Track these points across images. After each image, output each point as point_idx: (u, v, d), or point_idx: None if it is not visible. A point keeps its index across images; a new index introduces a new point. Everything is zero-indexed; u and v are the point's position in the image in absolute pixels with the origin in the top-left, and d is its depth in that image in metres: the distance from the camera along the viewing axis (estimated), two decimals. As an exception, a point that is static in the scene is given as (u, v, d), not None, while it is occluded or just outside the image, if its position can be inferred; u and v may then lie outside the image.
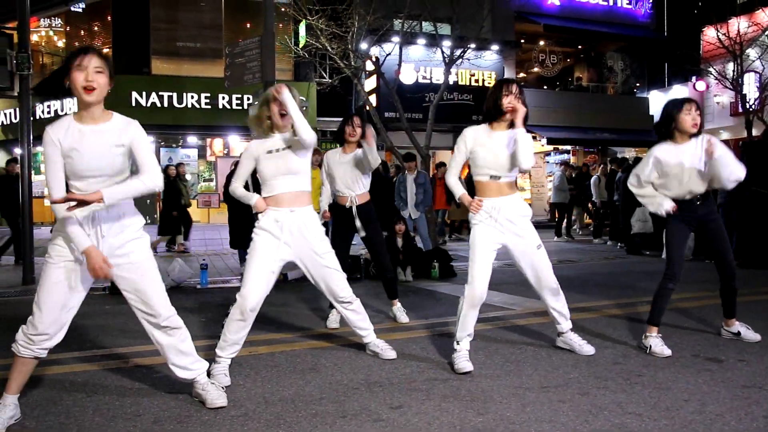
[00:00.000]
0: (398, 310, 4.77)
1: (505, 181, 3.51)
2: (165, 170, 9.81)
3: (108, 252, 2.67)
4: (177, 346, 2.85)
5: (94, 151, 2.60)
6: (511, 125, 3.48)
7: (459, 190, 3.64)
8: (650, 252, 9.44)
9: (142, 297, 2.77)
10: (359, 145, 4.46)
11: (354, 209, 4.53)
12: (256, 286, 3.26)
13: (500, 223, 3.48)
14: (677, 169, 3.76)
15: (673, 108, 3.79)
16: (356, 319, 3.67)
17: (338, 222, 4.69)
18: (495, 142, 3.49)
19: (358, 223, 4.54)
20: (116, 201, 2.59)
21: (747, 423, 2.63)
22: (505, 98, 3.47)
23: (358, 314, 3.67)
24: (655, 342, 3.75)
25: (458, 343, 3.48)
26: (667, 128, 3.81)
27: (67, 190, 2.62)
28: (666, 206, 3.79)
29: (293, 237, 3.35)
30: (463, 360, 3.40)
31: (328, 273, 3.48)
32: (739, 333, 4.06)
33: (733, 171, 3.75)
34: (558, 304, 3.72)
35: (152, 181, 2.67)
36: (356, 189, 4.54)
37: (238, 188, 3.54)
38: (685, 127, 3.74)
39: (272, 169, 3.37)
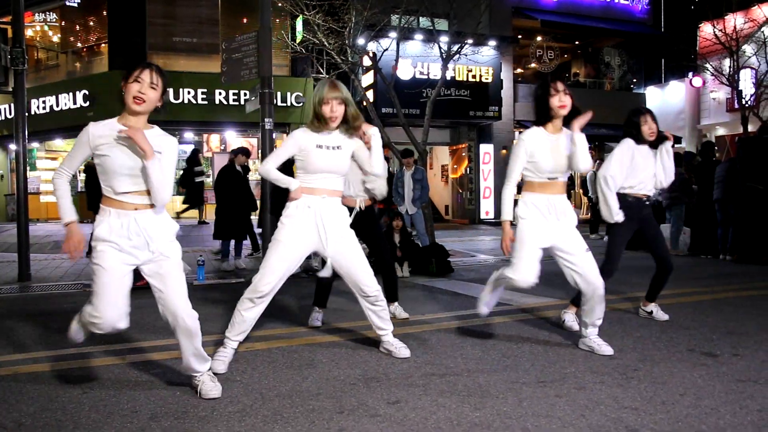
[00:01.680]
0: (396, 308, 4.72)
1: (561, 180, 3.59)
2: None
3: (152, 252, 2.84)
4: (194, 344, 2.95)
5: (130, 152, 2.77)
6: (565, 124, 3.51)
7: (507, 213, 3.57)
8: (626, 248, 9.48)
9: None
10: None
11: (356, 213, 4.28)
12: (271, 276, 3.31)
13: (554, 218, 3.53)
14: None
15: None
16: (377, 319, 3.62)
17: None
18: (554, 145, 3.49)
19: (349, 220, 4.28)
20: (157, 171, 2.76)
21: (742, 416, 2.64)
22: (554, 98, 3.45)
23: (379, 315, 3.61)
24: (569, 317, 4.28)
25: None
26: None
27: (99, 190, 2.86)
28: (619, 217, 4.20)
29: (324, 223, 3.35)
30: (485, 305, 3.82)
31: (355, 266, 3.46)
32: (652, 312, 4.59)
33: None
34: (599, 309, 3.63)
35: (161, 197, 2.83)
36: (363, 192, 4.41)
37: (272, 170, 3.40)
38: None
39: (320, 164, 3.35)
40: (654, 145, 4.34)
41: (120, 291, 2.81)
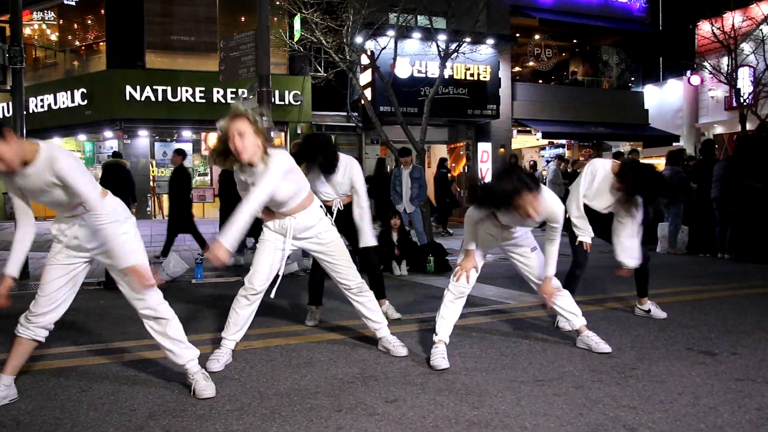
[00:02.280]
0: (388, 308, 4.64)
1: None
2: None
3: None
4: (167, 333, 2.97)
5: None
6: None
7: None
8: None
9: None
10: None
11: (335, 214, 4.37)
12: (263, 273, 3.42)
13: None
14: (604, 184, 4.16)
15: None
16: (367, 311, 3.68)
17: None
18: None
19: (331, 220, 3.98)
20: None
21: (740, 415, 2.65)
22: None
23: (367, 306, 3.68)
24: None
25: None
26: None
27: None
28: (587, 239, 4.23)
29: (293, 233, 3.44)
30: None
31: (333, 263, 3.57)
32: (649, 310, 4.59)
33: None
34: None
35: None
36: (340, 191, 4.45)
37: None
38: None
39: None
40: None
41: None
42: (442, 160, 13.42)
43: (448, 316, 3.63)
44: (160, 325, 2.95)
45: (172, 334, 2.96)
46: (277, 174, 3.09)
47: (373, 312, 3.70)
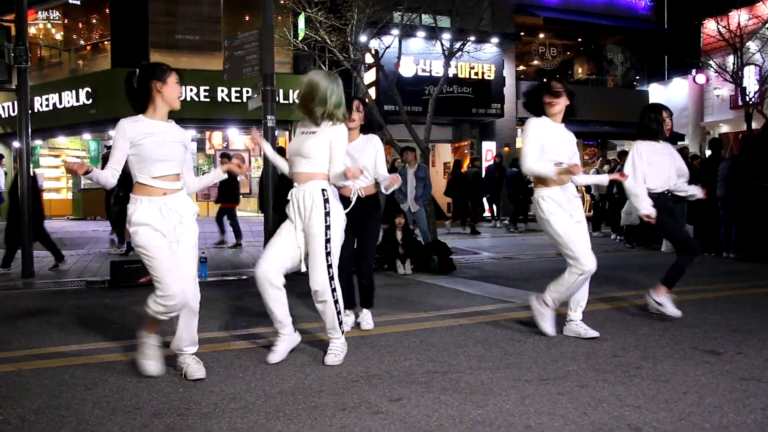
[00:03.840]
0: (365, 315, 4.31)
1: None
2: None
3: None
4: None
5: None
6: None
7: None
8: (637, 245, 9.57)
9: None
10: (363, 131, 4.21)
11: (354, 200, 4.00)
12: (269, 258, 3.44)
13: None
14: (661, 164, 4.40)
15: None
16: (324, 318, 3.49)
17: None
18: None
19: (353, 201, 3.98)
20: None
21: (745, 415, 2.64)
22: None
23: (324, 313, 3.46)
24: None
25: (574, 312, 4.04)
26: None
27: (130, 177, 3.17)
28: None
29: (303, 209, 3.42)
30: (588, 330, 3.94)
31: (311, 256, 3.44)
32: (662, 304, 4.49)
33: None
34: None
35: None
36: (360, 180, 4.01)
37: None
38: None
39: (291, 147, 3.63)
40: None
41: (177, 265, 3.08)
42: (499, 156, 13.22)
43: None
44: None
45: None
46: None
47: (331, 324, 3.47)
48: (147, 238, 3.06)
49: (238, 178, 10.68)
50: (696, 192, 4.63)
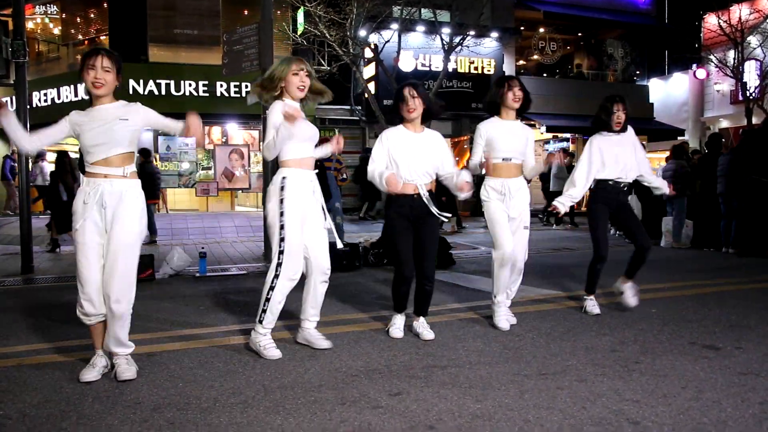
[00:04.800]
0: (424, 324, 3.94)
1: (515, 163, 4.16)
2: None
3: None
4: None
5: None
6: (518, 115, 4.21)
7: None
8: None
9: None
10: (426, 119, 3.86)
11: (424, 197, 3.75)
12: (298, 255, 3.56)
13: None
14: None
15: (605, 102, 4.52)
16: (320, 299, 3.74)
17: (400, 216, 3.78)
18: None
19: (434, 209, 3.77)
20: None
21: (743, 409, 2.65)
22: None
23: (322, 295, 3.74)
24: (590, 304, 4.54)
25: (496, 297, 4.16)
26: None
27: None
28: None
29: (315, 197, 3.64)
30: (503, 319, 4.09)
31: (316, 240, 3.61)
32: (622, 293, 4.58)
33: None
34: (515, 284, 4.30)
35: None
36: (424, 177, 3.79)
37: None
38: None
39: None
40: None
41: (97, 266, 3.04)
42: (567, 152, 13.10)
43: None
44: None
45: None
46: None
47: (318, 305, 3.76)
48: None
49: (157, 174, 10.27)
50: (662, 186, 4.62)
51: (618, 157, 4.44)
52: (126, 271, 3.03)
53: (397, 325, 3.95)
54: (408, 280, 3.80)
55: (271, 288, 3.48)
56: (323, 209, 3.66)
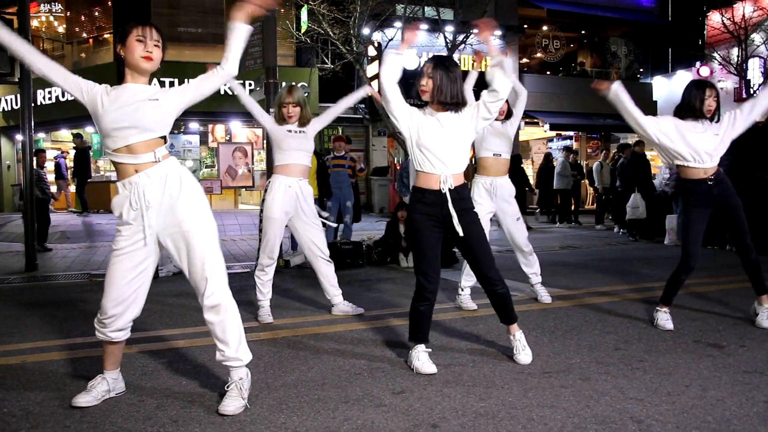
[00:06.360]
0: (520, 337, 3.39)
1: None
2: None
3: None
4: None
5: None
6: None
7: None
8: (641, 238, 9.57)
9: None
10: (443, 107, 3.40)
11: (447, 194, 3.13)
12: (275, 247, 4.35)
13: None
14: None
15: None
16: (332, 278, 4.50)
17: (424, 215, 3.19)
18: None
19: (454, 218, 3.12)
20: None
21: (748, 408, 2.64)
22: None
23: (329, 278, 4.49)
24: (663, 317, 4.06)
25: (462, 290, 4.72)
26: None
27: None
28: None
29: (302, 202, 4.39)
30: (467, 300, 4.68)
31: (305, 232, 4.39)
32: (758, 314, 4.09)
33: None
34: (535, 263, 4.82)
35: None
36: (452, 166, 3.18)
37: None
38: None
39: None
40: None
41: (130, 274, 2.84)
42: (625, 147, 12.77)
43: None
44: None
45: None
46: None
47: (334, 286, 4.54)
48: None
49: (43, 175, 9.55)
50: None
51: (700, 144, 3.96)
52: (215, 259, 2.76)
53: (422, 360, 3.14)
54: (429, 298, 3.17)
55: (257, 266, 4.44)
56: (315, 206, 4.46)
